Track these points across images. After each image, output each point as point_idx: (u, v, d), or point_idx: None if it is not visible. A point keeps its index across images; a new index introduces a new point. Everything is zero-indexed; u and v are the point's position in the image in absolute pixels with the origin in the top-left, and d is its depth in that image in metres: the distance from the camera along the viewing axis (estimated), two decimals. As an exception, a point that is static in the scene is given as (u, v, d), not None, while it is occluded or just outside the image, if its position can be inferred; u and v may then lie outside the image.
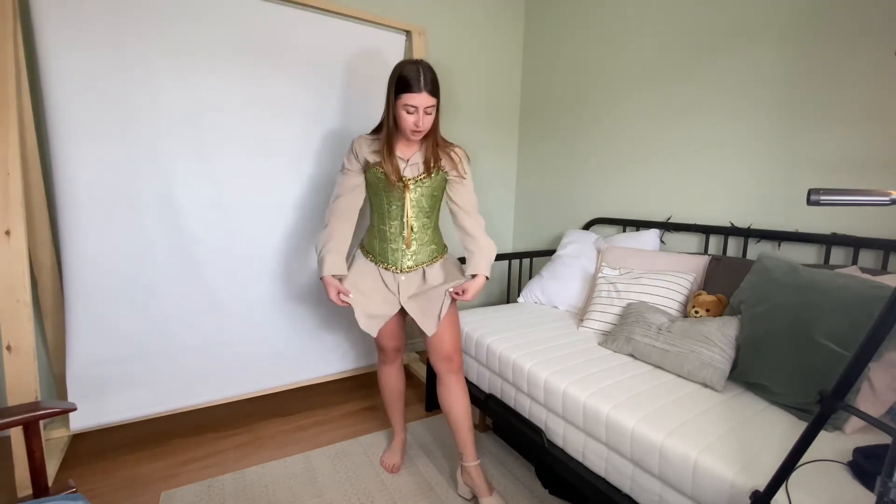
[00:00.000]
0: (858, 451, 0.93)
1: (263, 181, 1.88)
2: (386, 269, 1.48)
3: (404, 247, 1.46)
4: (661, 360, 1.40)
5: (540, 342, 1.63)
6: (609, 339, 1.58)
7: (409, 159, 1.41)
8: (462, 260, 1.70)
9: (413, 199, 1.41)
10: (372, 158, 1.41)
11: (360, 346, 2.20)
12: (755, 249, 1.72)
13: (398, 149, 1.41)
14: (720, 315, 1.51)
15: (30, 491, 1.44)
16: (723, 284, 1.60)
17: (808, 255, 1.57)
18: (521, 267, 2.64)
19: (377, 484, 1.59)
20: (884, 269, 1.35)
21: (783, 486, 0.77)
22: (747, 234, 1.69)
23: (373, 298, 1.45)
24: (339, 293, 1.41)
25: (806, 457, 0.87)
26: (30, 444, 0.95)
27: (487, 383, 1.72)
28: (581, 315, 1.93)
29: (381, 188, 1.42)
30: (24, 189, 1.45)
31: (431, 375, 2.07)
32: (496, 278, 2.97)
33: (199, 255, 1.78)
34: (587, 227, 2.42)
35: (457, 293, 1.40)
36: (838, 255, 1.49)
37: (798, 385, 1.14)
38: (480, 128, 2.80)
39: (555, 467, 1.38)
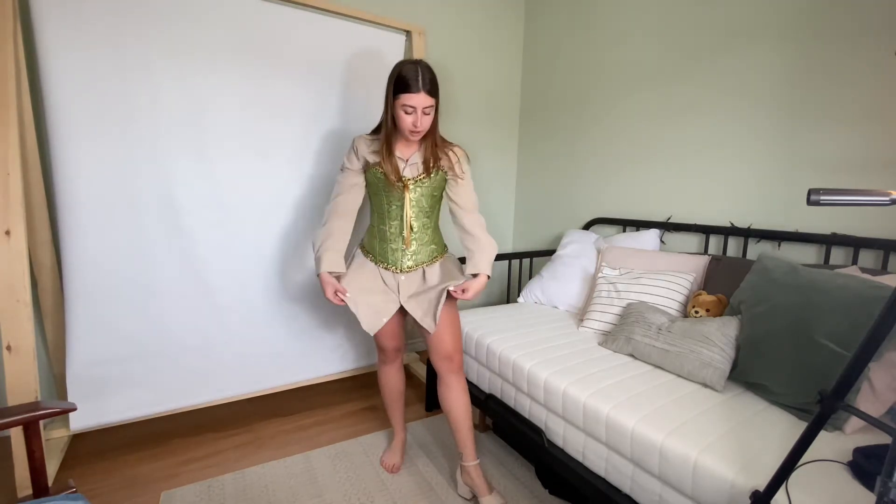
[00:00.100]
0: (858, 451, 0.93)
1: (263, 181, 1.88)
2: (386, 269, 1.47)
3: (404, 247, 1.45)
4: (661, 360, 1.40)
5: (540, 342, 1.63)
6: (609, 339, 1.58)
7: (409, 159, 1.41)
8: (462, 260, 1.70)
9: (413, 198, 1.41)
10: (372, 158, 1.41)
11: (360, 346, 2.20)
12: (755, 249, 1.72)
13: (397, 149, 1.41)
14: (720, 315, 1.51)
15: (30, 491, 1.44)
16: (723, 284, 1.60)
17: (808, 255, 1.57)
18: (521, 267, 2.64)
19: (377, 484, 1.59)
20: (884, 269, 1.35)
21: (783, 486, 0.77)
22: (747, 234, 1.69)
23: (373, 297, 1.45)
24: (336, 291, 1.40)
25: (806, 457, 0.87)
26: (30, 444, 0.95)
27: (487, 383, 1.72)
28: (581, 315, 1.93)
29: (381, 188, 1.42)
30: (24, 189, 1.45)
31: (431, 375, 2.07)
32: (496, 278, 2.97)
33: (199, 255, 1.78)
34: (587, 227, 2.42)
35: (457, 292, 1.40)
36: (838, 255, 1.49)
37: (798, 385, 1.14)
38: (480, 128, 2.80)
39: (555, 467, 1.38)
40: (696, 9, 1.86)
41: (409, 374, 2.48)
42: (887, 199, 0.58)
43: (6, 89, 1.38)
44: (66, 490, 0.93)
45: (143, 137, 1.64)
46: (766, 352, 1.24)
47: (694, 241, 1.95)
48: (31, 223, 1.61)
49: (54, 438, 1.74)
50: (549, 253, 2.49)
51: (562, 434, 1.35)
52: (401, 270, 1.47)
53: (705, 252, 1.87)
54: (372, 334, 1.46)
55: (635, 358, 1.49)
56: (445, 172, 1.45)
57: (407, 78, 1.25)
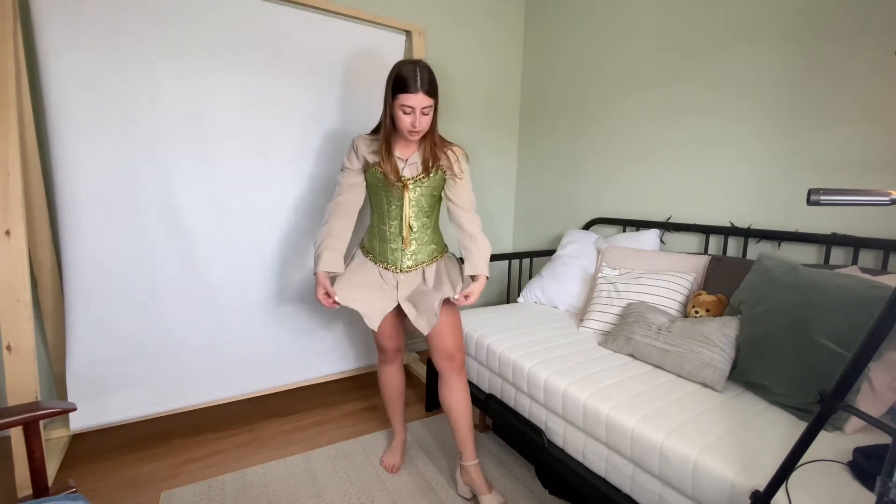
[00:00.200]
0: (858, 451, 0.93)
1: (263, 181, 1.88)
2: (386, 268, 1.47)
3: (403, 247, 1.45)
4: (661, 360, 1.40)
5: (540, 342, 1.63)
6: (609, 339, 1.58)
7: (408, 159, 1.41)
8: (462, 260, 1.70)
9: (412, 198, 1.41)
10: (371, 158, 1.41)
11: (359, 345, 2.20)
12: (755, 249, 1.72)
13: (397, 149, 1.41)
14: (720, 315, 1.51)
15: (30, 491, 1.44)
16: (723, 284, 1.60)
17: (808, 255, 1.56)
18: (521, 267, 2.64)
19: (377, 484, 1.59)
20: (884, 269, 1.35)
21: (783, 486, 0.77)
22: (747, 234, 1.69)
23: (372, 293, 1.45)
24: (325, 294, 1.38)
25: (806, 457, 0.87)
26: (30, 444, 0.95)
27: (487, 383, 1.72)
28: (581, 315, 1.93)
29: (381, 188, 1.42)
30: (24, 189, 1.45)
31: (431, 375, 2.07)
32: (496, 278, 2.97)
33: (199, 255, 1.78)
34: (587, 227, 2.42)
35: (460, 299, 1.39)
36: (838, 255, 1.49)
37: (798, 385, 1.14)
38: (480, 128, 2.80)
39: (555, 467, 1.38)
40: (696, 9, 1.86)
41: (409, 374, 2.48)
42: (887, 199, 0.58)
43: (6, 89, 1.38)
44: (66, 490, 0.93)
45: (143, 137, 1.64)
46: (766, 352, 1.24)
47: (694, 241, 1.95)
48: (31, 223, 1.61)
49: (54, 438, 1.74)
50: (549, 253, 2.49)
51: (562, 434, 1.35)
52: (400, 270, 1.47)
53: (705, 252, 1.87)
54: (374, 329, 1.45)
55: (635, 358, 1.49)
56: (445, 172, 1.45)
57: (405, 78, 1.25)
